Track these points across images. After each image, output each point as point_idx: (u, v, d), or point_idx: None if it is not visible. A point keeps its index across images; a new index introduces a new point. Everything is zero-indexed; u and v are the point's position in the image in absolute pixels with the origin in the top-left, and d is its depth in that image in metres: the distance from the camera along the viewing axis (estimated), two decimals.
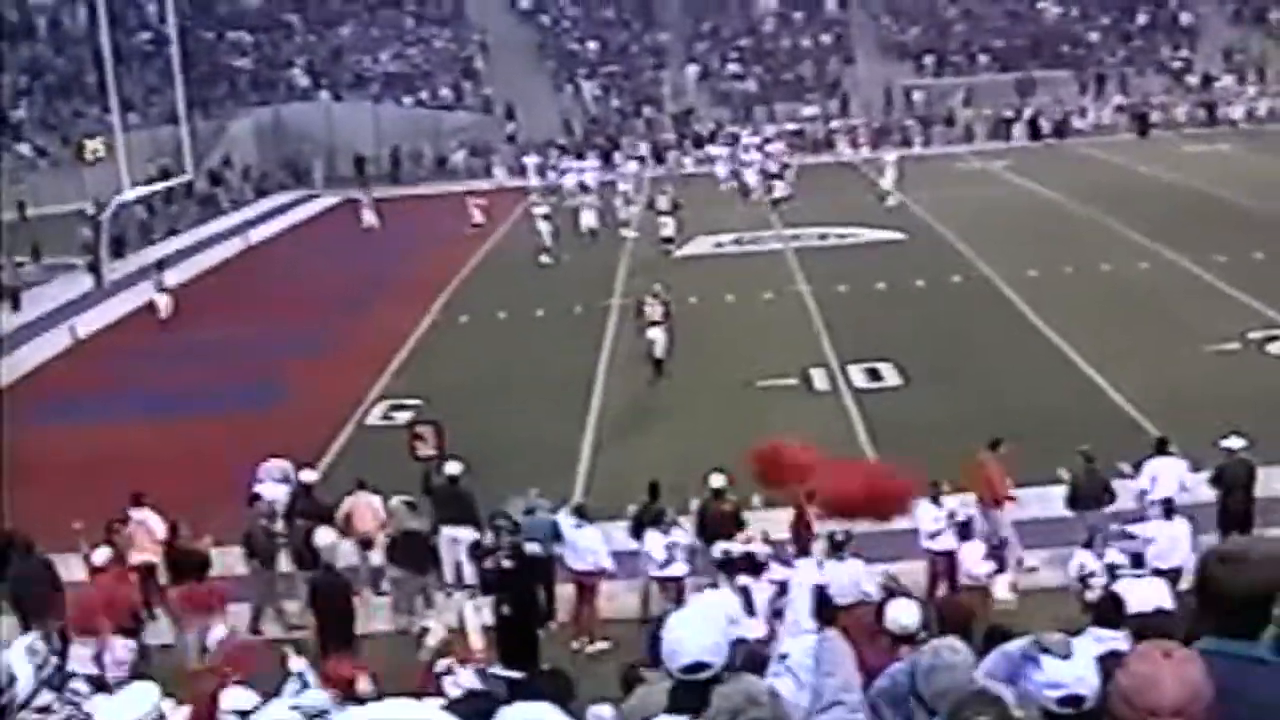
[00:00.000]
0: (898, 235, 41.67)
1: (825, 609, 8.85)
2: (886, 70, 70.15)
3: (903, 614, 8.46)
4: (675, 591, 16.46)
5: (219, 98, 65.09)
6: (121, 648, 13.31)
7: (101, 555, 16.60)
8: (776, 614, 14.19)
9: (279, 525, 18.09)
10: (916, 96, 68.65)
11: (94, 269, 42.39)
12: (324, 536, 16.27)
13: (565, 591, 17.16)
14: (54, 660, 10.17)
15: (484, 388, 27.52)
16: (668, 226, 41.73)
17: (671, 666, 5.14)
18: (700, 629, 5.19)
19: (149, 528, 17.77)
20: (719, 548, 15.02)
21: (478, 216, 47.52)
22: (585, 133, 67.02)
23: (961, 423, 21.70)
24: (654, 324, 27.89)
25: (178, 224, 52.52)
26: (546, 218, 42.97)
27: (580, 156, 59.53)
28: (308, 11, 75.23)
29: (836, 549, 15.01)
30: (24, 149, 59.62)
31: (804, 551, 16.05)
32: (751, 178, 52.23)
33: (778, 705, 5.34)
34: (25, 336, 35.66)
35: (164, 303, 36.49)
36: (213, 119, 62.28)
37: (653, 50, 73.46)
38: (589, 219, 44.68)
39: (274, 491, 18.93)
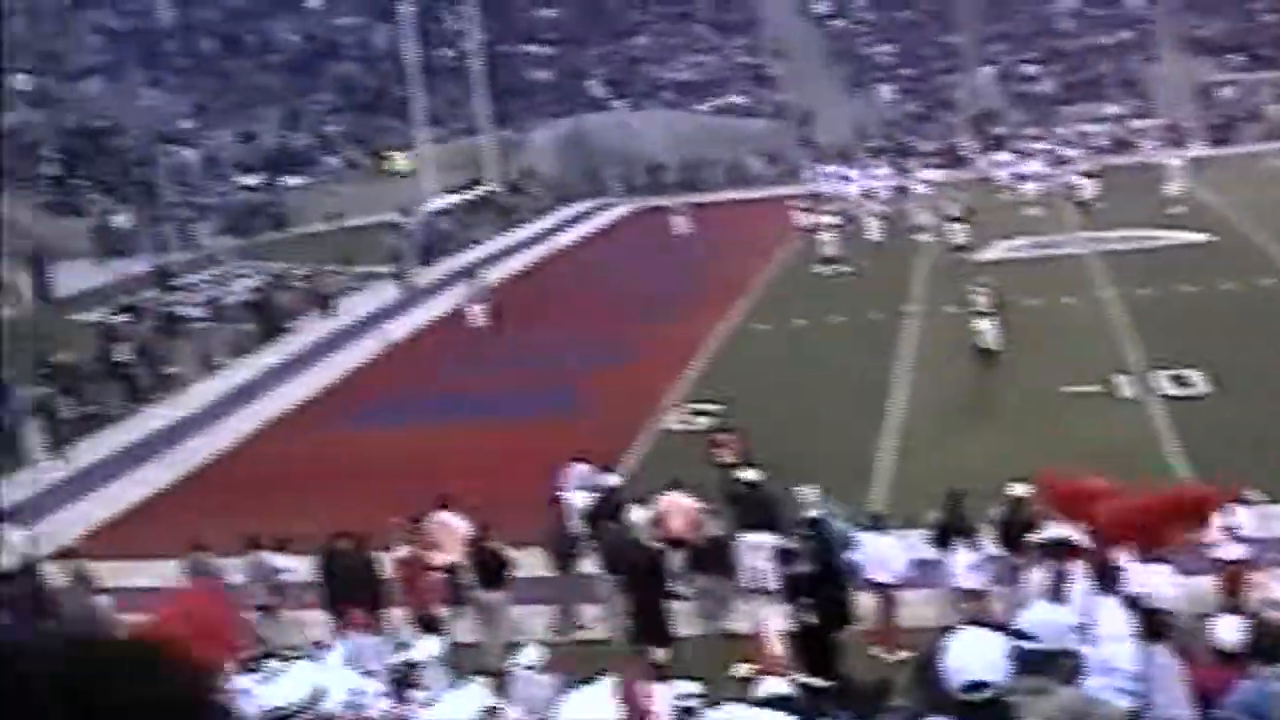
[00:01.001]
0: (1204, 237, 40.21)
1: (1153, 621, 8.54)
2: (1189, 66, 67.78)
3: (1230, 632, 8.15)
4: (977, 603, 16.16)
5: (519, 110, 66.67)
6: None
7: (400, 553, 17.18)
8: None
9: (582, 528, 18.38)
10: (1221, 93, 66.15)
11: (402, 276, 43.85)
12: (637, 515, 16.49)
13: (863, 600, 17.02)
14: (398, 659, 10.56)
15: (782, 394, 27.53)
16: (960, 234, 41.13)
17: (952, 685, 5.05)
18: (981, 647, 5.09)
19: (451, 528, 18.20)
20: (1035, 536, 14.56)
21: (801, 220, 47.34)
22: (879, 137, 66.54)
23: (1278, 433, 20.81)
24: (981, 314, 27.58)
25: (481, 233, 53.95)
26: (838, 226, 42.76)
27: (872, 163, 59.12)
28: (604, 23, 76.54)
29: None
30: (335, 162, 62.10)
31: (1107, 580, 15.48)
32: (1048, 181, 51.07)
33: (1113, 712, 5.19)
34: (339, 342, 37.13)
35: (477, 311, 37.20)
36: (513, 130, 63.85)
37: (948, 52, 72.49)
38: (875, 227, 44.33)
39: (578, 495, 19.25)
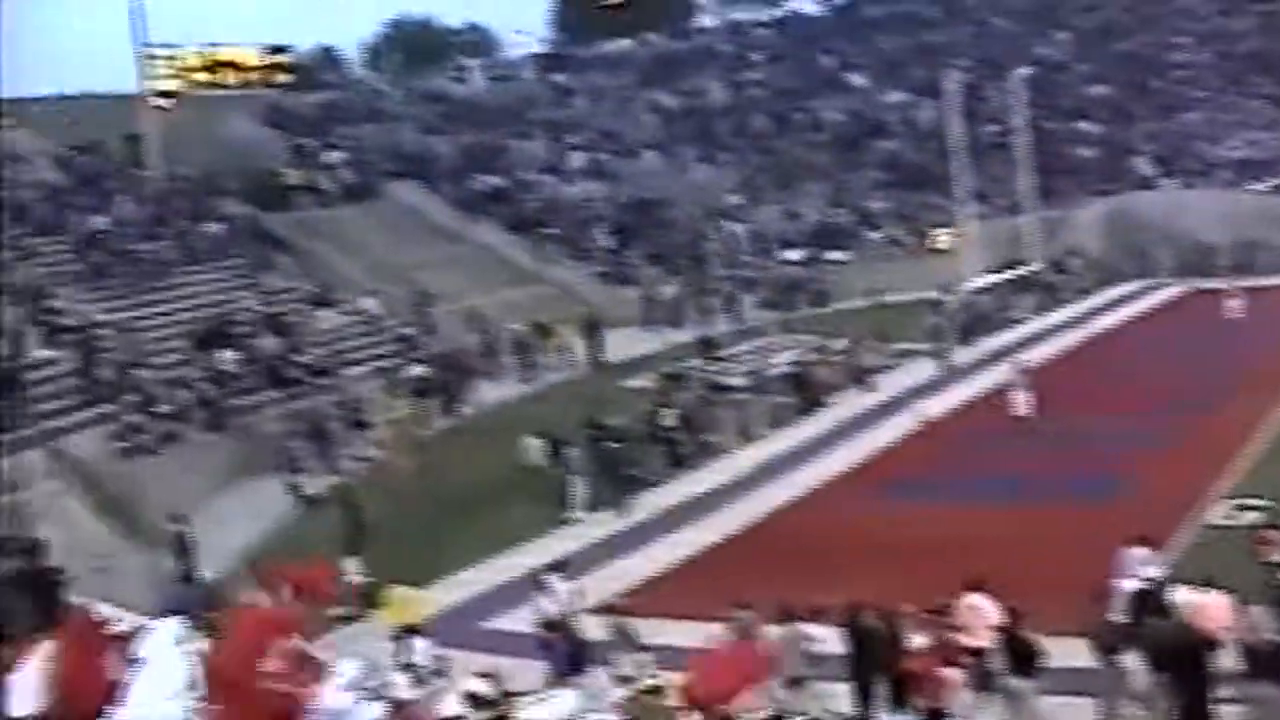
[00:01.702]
0: None
1: None
2: None
3: None
4: None
5: (1064, 187, 65.42)
6: None
7: (919, 640, 16.98)
8: None
9: (1127, 618, 17.72)
10: None
11: (941, 355, 43.71)
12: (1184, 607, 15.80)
13: None
14: None
15: None
16: None
17: None
18: None
19: (982, 612, 17.89)
20: None
21: None
22: None
23: None
24: None
25: (1022, 313, 53.15)
26: None
27: None
28: (1154, 99, 74.25)
29: None
30: (877, 238, 62.66)
31: None
32: None
33: None
34: (875, 418, 37.33)
35: (1019, 395, 36.42)
36: (1057, 208, 62.70)
37: None
38: None
39: (1127, 582, 18.60)
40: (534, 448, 31.71)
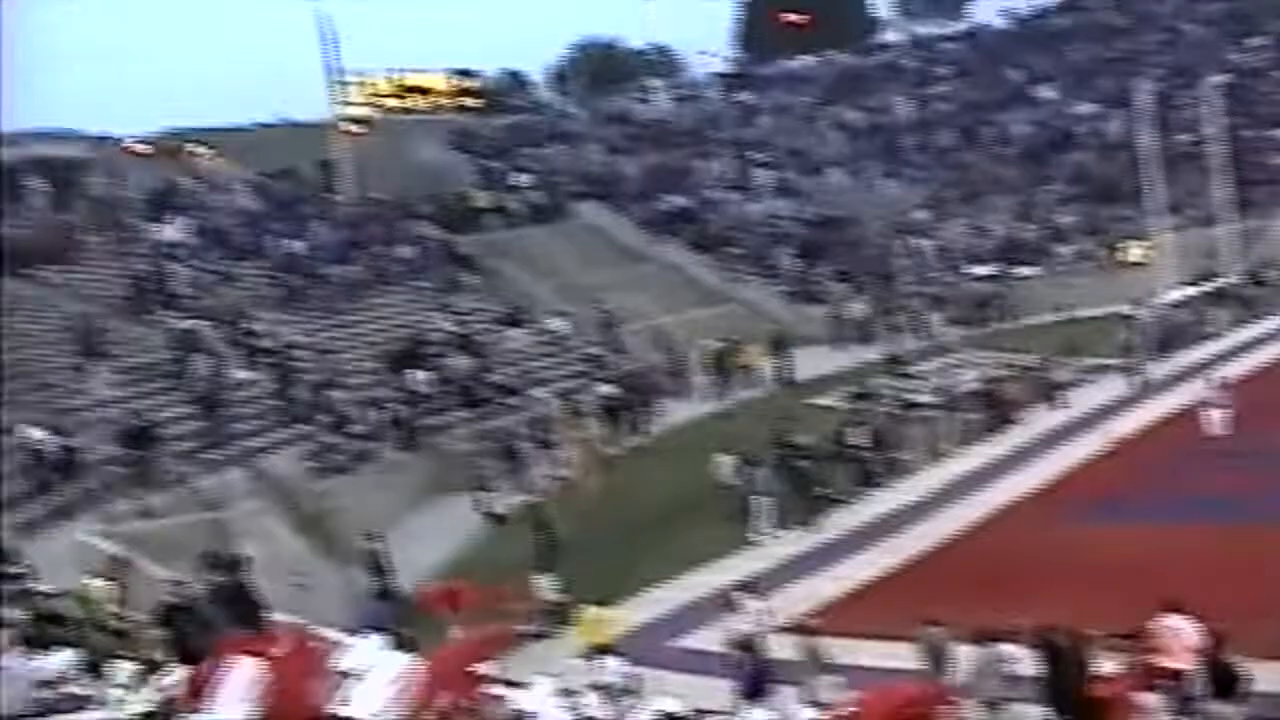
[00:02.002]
0: None
1: None
2: None
3: None
4: None
5: (1260, 198, 63.62)
6: None
7: (1109, 665, 16.64)
8: None
9: None
10: None
11: (1134, 371, 42.83)
12: None
13: None
14: None
15: None
16: None
17: None
18: None
19: (1181, 634, 17.49)
20: None
21: None
22: None
23: None
24: None
25: (1218, 326, 51.81)
26: None
27: None
28: None
29: None
30: (1066, 253, 61.58)
31: None
32: None
33: None
34: (1066, 435, 36.71)
35: (1214, 413, 35.61)
36: (1254, 219, 61.01)
37: None
38: None
39: None
40: (726, 465, 31.79)
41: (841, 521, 30.33)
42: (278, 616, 21.83)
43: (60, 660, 13.32)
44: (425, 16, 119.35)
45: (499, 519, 33.39)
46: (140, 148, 56.26)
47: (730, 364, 45.89)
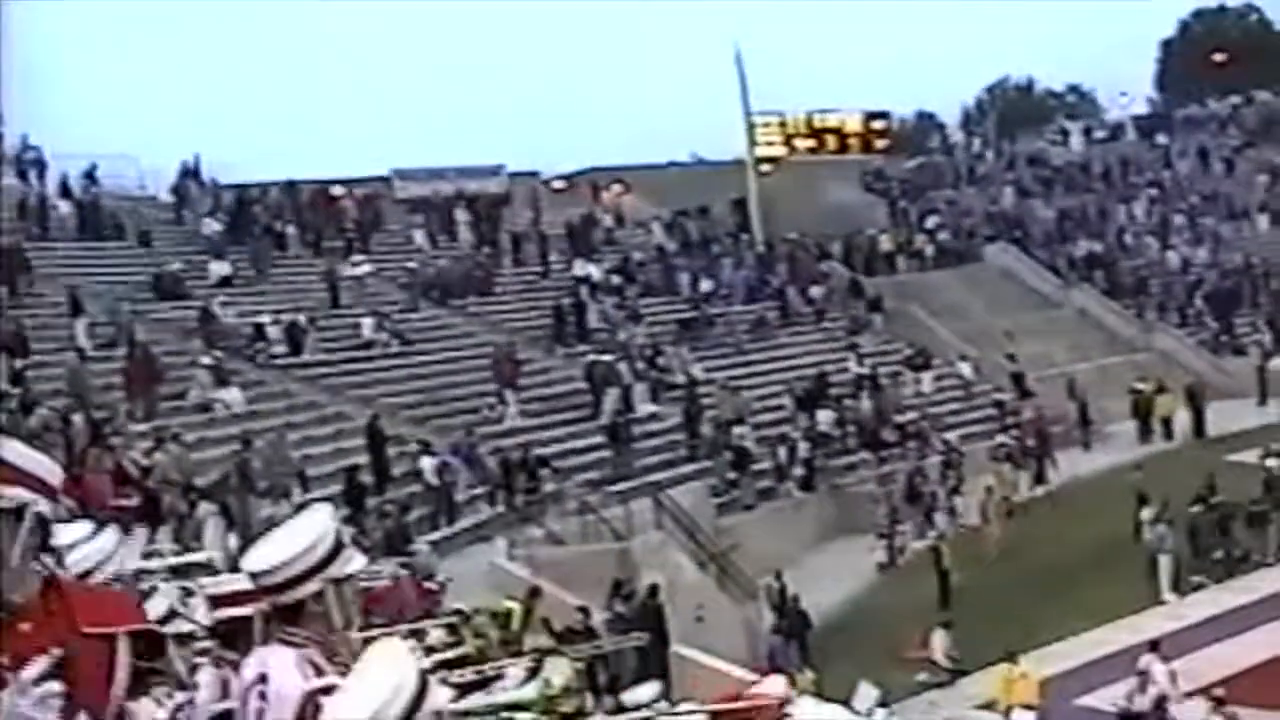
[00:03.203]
0: None
1: None
2: None
3: None
4: None
5: None
6: None
7: None
8: None
9: None
10: None
11: None
12: None
13: None
14: None
15: None
16: None
17: None
18: None
19: None
20: None
21: None
22: None
23: None
24: None
25: None
26: None
27: None
28: None
29: None
30: None
31: None
32: None
33: None
34: None
35: None
36: None
37: None
38: None
39: None
40: (1141, 518, 30.78)
41: (1259, 585, 28.93)
42: (679, 649, 22.45)
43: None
44: (842, 57, 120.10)
45: (898, 564, 33.28)
46: (559, 184, 58.49)
47: (1143, 414, 44.42)
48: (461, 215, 48.16)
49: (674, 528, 31.41)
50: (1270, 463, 34.26)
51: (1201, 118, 79.09)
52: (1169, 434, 44.06)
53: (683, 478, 35.06)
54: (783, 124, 62.11)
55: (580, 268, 45.89)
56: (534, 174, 58.60)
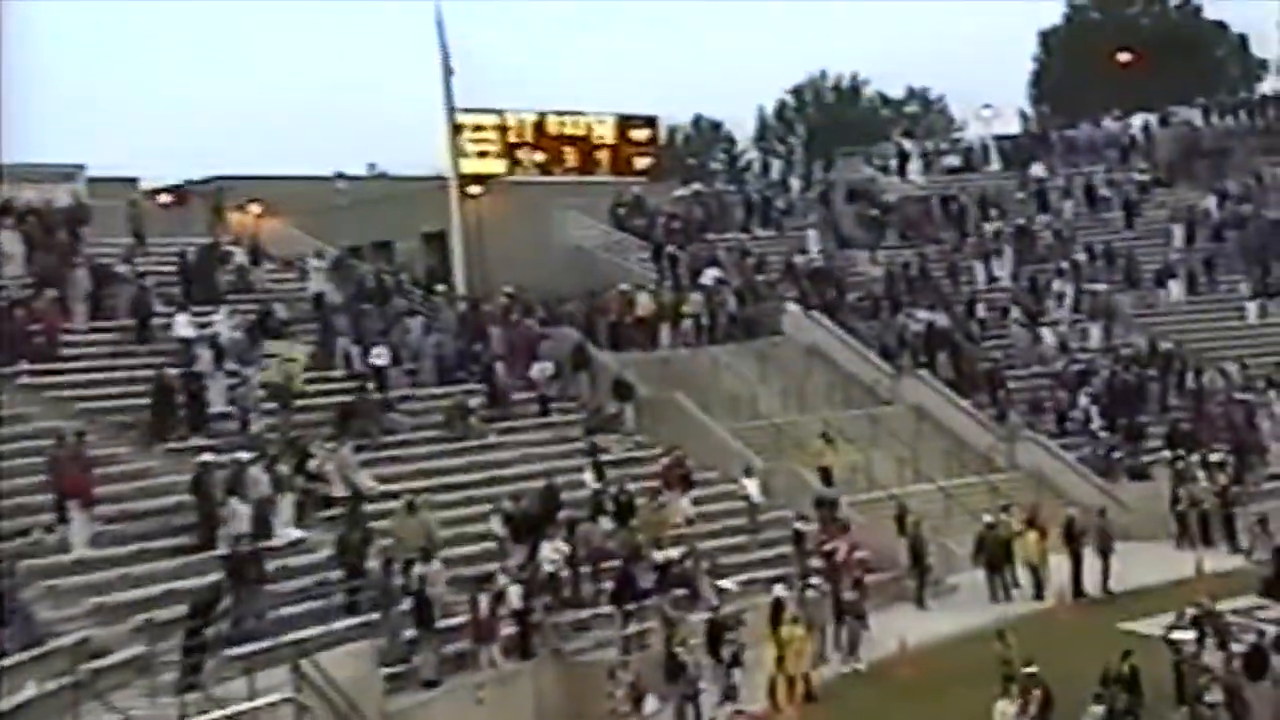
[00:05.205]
0: None
1: None
2: None
3: None
4: None
5: None
6: None
7: None
8: None
9: None
10: None
11: None
12: None
13: None
14: None
15: None
16: None
17: None
18: None
19: None
20: None
21: None
22: None
23: None
24: None
25: None
26: None
27: None
28: None
29: None
30: None
31: None
32: None
33: None
34: None
35: None
36: None
37: None
38: None
39: None
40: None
41: None
42: None
43: None
44: (589, 49, 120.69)
45: None
46: (165, 197, 58.06)
47: (998, 560, 45.15)
48: (8, 236, 46.65)
49: (321, 711, 30.80)
50: (1177, 635, 34.55)
51: (1093, 141, 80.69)
52: (1038, 591, 44.83)
53: (338, 637, 34.47)
54: (502, 126, 62.23)
55: (192, 325, 44.85)
56: (131, 180, 57.73)
